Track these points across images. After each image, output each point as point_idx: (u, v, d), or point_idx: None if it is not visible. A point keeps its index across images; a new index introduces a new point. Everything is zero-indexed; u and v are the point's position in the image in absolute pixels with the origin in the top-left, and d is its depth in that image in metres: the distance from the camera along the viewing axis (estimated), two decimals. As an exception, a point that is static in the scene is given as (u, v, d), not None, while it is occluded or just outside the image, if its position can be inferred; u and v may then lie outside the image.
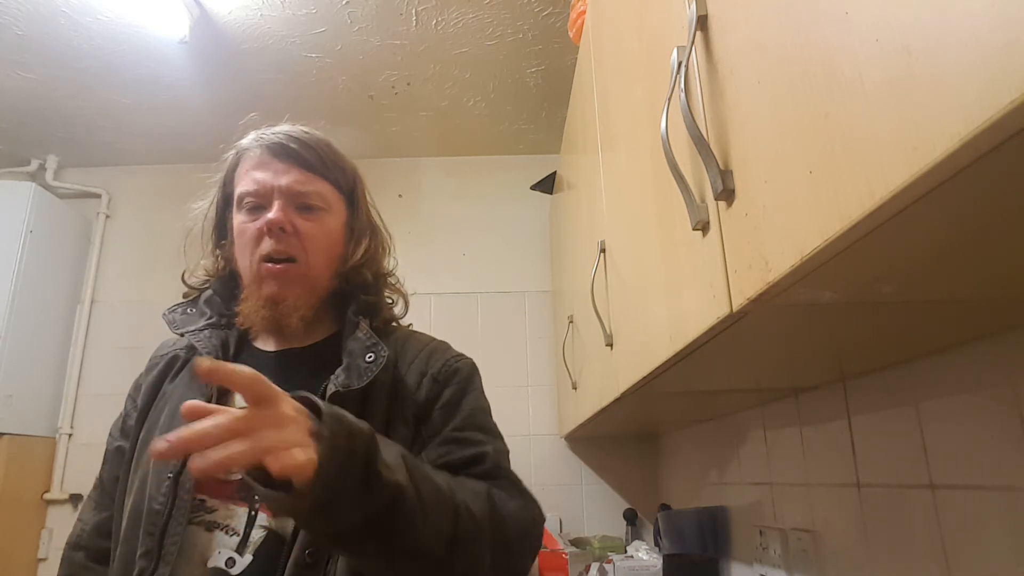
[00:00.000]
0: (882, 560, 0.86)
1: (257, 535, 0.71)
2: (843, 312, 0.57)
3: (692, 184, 0.63)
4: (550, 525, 2.09)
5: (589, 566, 1.68)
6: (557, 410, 2.25)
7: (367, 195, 0.93)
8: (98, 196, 2.53)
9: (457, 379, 0.84)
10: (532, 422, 2.27)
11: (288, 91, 2.11)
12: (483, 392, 0.87)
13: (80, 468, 2.25)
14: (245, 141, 0.87)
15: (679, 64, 0.61)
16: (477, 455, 0.77)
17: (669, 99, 0.65)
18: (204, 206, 0.90)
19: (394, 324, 0.93)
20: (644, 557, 1.70)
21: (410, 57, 1.97)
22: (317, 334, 0.86)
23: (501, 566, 0.68)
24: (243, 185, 0.83)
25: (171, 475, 0.73)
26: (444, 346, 0.90)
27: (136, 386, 0.90)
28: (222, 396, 0.79)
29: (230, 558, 0.70)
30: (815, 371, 0.93)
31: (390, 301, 0.92)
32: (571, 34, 1.56)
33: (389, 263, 0.94)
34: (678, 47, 0.63)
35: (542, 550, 1.81)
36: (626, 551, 1.87)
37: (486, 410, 0.85)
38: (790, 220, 0.45)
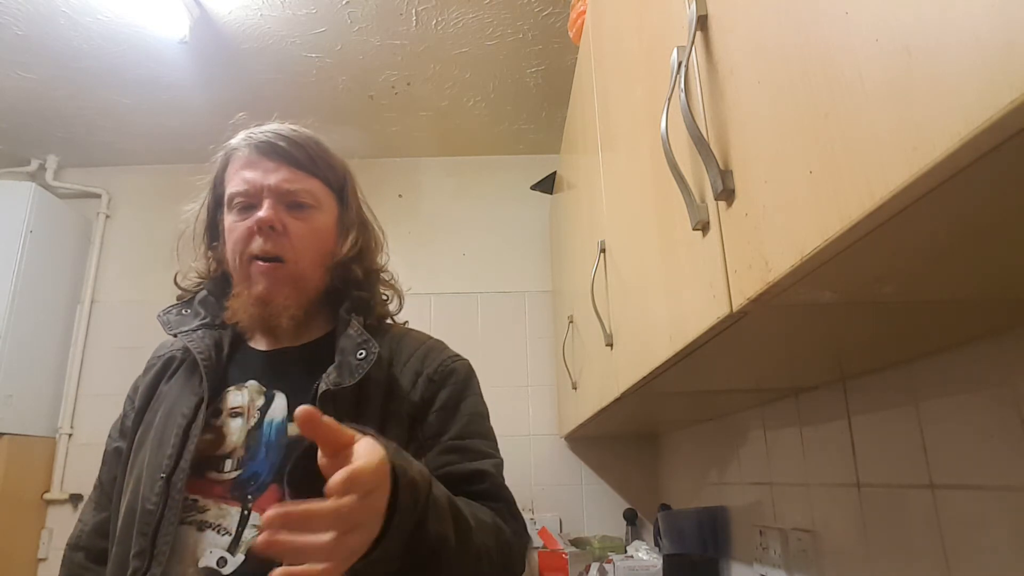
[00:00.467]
0: (882, 560, 0.86)
1: (250, 534, 0.71)
2: (843, 312, 0.57)
3: (692, 184, 0.63)
4: (550, 525, 2.09)
5: (589, 566, 1.69)
6: (557, 410, 2.25)
7: (358, 192, 0.93)
8: (98, 196, 2.53)
9: (453, 380, 0.84)
10: (532, 422, 2.27)
11: (288, 91, 2.11)
12: (481, 396, 0.87)
13: (80, 468, 2.25)
14: (234, 141, 0.87)
15: (679, 64, 0.61)
16: (478, 472, 0.78)
17: (669, 99, 0.65)
18: (196, 208, 0.90)
19: (389, 322, 0.92)
20: (644, 557, 1.70)
21: (410, 57, 1.97)
22: (311, 333, 0.86)
23: None
24: (233, 185, 0.83)
25: (163, 475, 0.73)
26: (440, 345, 0.89)
27: (134, 387, 0.90)
28: (213, 398, 0.79)
29: (221, 557, 0.70)
30: (815, 371, 0.93)
31: (385, 297, 0.92)
32: (571, 34, 1.56)
33: (382, 259, 0.93)
34: (678, 47, 0.63)
35: (542, 550, 1.81)
36: (626, 551, 1.87)
37: (484, 415, 0.85)
38: (790, 220, 0.45)
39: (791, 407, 1.13)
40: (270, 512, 0.47)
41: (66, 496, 2.23)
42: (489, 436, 0.84)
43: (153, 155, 2.49)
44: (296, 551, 0.47)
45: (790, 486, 1.15)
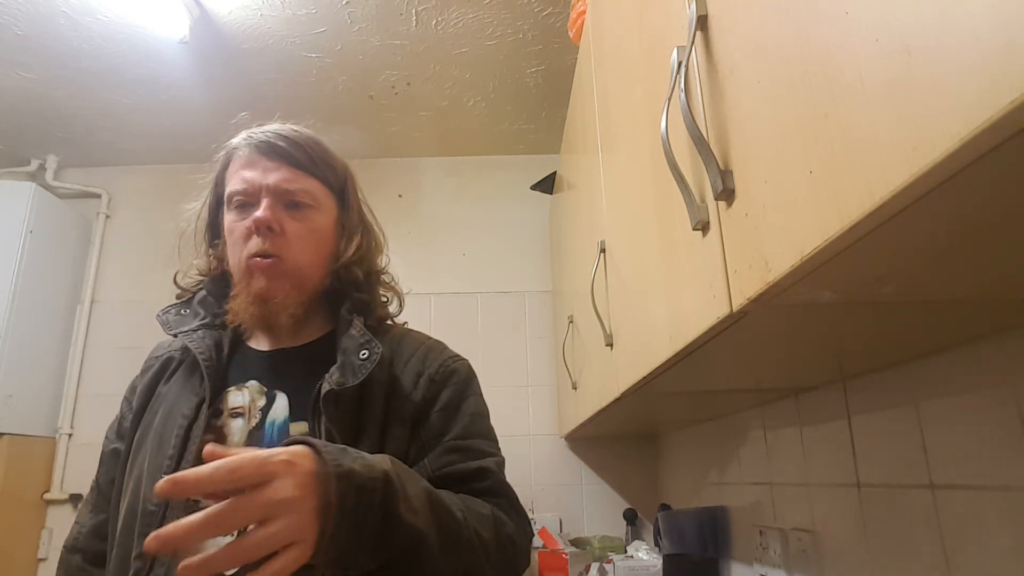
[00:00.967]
0: (882, 560, 0.86)
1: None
2: (843, 312, 0.57)
3: (692, 184, 0.63)
4: (550, 525, 2.09)
5: (589, 566, 1.69)
6: (557, 410, 2.25)
7: (359, 193, 0.93)
8: (98, 196, 2.53)
9: (454, 380, 0.84)
10: (532, 422, 2.27)
11: (288, 91, 2.11)
12: (482, 396, 0.87)
13: (80, 468, 2.25)
14: (235, 140, 0.87)
15: (679, 64, 0.61)
16: (480, 470, 0.78)
17: (669, 99, 0.65)
18: (197, 207, 0.90)
19: (389, 323, 0.92)
20: (644, 557, 1.70)
21: (410, 57, 1.97)
22: (311, 333, 0.86)
23: None
24: (232, 184, 0.83)
25: (165, 476, 0.73)
26: (440, 346, 0.90)
27: (131, 388, 0.89)
28: (215, 397, 0.79)
29: None
30: (815, 371, 0.93)
31: (385, 299, 0.92)
32: (571, 34, 1.56)
33: (382, 261, 0.93)
34: (678, 47, 0.63)
35: (542, 550, 1.81)
36: (626, 551, 1.87)
37: (485, 415, 0.85)
38: (790, 220, 0.45)
39: (791, 407, 1.13)
40: (150, 545, 0.47)
41: (66, 496, 2.23)
42: (490, 435, 0.84)
43: (153, 155, 2.49)
44: (205, 568, 0.47)
45: (790, 486, 1.15)
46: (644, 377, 0.91)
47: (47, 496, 2.23)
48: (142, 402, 0.84)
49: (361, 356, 0.78)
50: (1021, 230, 0.40)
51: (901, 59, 0.33)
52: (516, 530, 0.75)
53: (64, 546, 0.86)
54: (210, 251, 0.89)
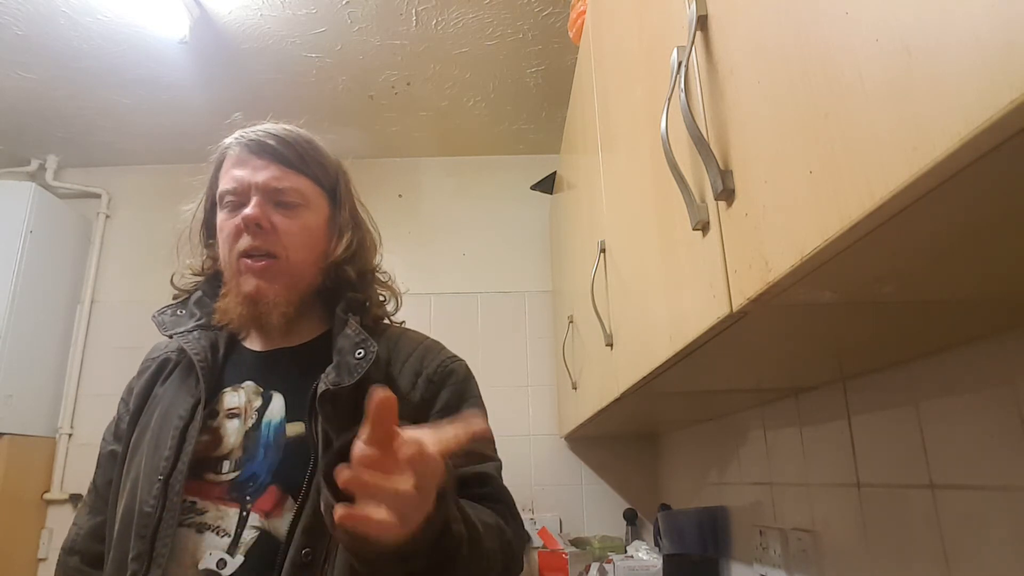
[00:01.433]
0: (882, 560, 0.86)
1: (249, 536, 0.71)
2: (843, 312, 0.57)
3: (692, 184, 0.63)
4: (550, 525, 2.09)
5: (589, 566, 1.69)
6: (557, 410, 2.25)
7: (353, 192, 0.92)
8: (98, 196, 2.53)
9: (453, 381, 0.84)
10: (532, 422, 2.27)
11: (288, 91, 2.11)
12: (480, 398, 0.87)
13: (80, 468, 2.25)
14: (227, 140, 0.87)
15: (679, 64, 0.61)
16: (482, 475, 0.78)
17: (669, 99, 0.65)
18: (193, 208, 0.91)
19: (386, 322, 0.92)
20: (644, 557, 1.70)
21: (410, 57, 1.97)
22: (306, 333, 0.86)
23: None
24: (224, 183, 0.83)
25: (161, 477, 0.73)
26: (438, 346, 0.89)
27: (128, 389, 0.89)
28: (211, 398, 0.79)
29: (221, 559, 0.70)
30: (815, 371, 0.93)
31: (382, 298, 0.92)
32: (571, 34, 1.56)
33: (377, 259, 0.93)
34: (678, 47, 0.63)
35: (542, 550, 1.81)
36: (626, 551, 1.87)
37: (484, 418, 0.85)
38: (790, 220, 0.45)
39: (791, 407, 1.13)
40: (361, 450, 0.50)
41: (66, 496, 2.23)
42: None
43: (153, 155, 2.49)
44: (373, 489, 0.49)
45: (790, 486, 1.15)
46: (644, 377, 0.91)
47: (47, 496, 2.23)
48: (139, 404, 0.84)
49: (357, 355, 0.78)
50: (1021, 230, 0.40)
51: (901, 59, 0.33)
52: (514, 537, 0.76)
53: (62, 548, 0.86)
54: (205, 251, 0.89)
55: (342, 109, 2.22)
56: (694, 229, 0.62)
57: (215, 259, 0.88)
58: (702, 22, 0.61)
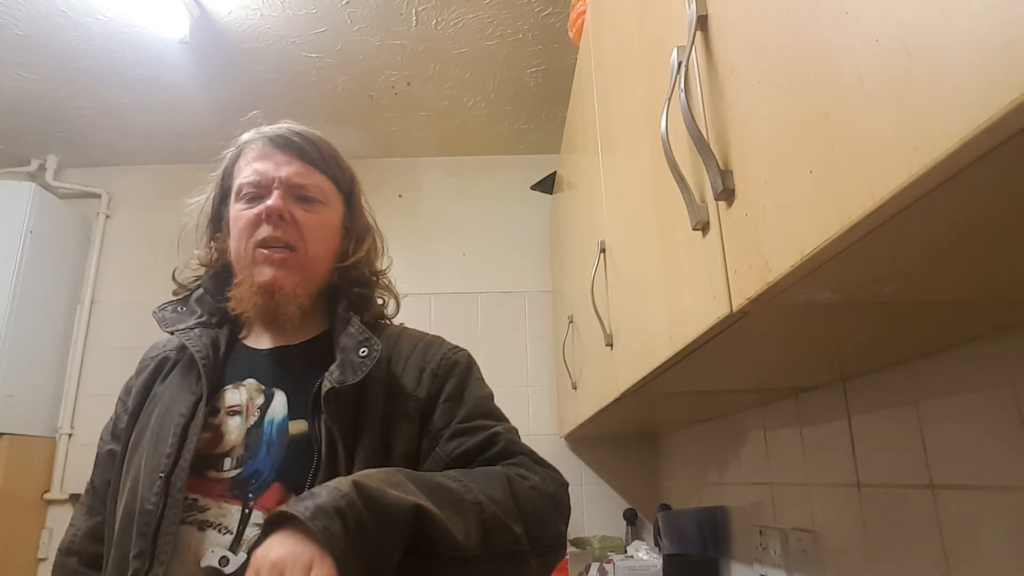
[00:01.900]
0: (882, 560, 0.86)
1: (252, 533, 0.71)
2: (843, 312, 0.57)
3: (692, 184, 0.63)
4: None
5: (589, 566, 1.69)
6: (557, 410, 2.25)
7: (363, 198, 0.94)
8: (98, 196, 2.53)
9: (457, 371, 0.84)
10: (532, 422, 2.27)
11: (288, 91, 2.11)
12: (483, 380, 0.88)
13: (80, 468, 2.25)
14: (246, 136, 0.88)
15: (679, 64, 0.61)
16: (489, 437, 0.78)
17: (669, 99, 0.65)
18: (201, 200, 0.91)
19: (384, 321, 0.93)
20: (644, 557, 1.70)
21: (410, 57, 1.97)
22: (308, 331, 0.86)
23: (538, 537, 0.70)
24: (243, 176, 0.84)
25: (163, 475, 0.73)
26: (438, 340, 0.90)
27: (126, 389, 0.89)
28: (212, 395, 0.79)
29: (224, 556, 0.70)
30: (815, 371, 0.93)
31: (381, 301, 0.93)
32: (571, 34, 1.56)
33: (382, 263, 0.94)
34: (678, 47, 0.63)
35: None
36: (626, 551, 1.87)
37: (489, 396, 0.86)
38: (790, 220, 0.45)
39: (791, 407, 1.13)
40: None
41: (66, 496, 2.23)
42: (496, 414, 0.84)
43: (153, 155, 2.49)
44: None
45: (790, 486, 1.15)
46: (644, 377, 0.91)
47: (47, 496, 2.23)
48: (137, 402, 0.84)
49: (360, 354, 0.78)
50: (1021, 230, 0.40)
51: (901, 59, 0.33)
52: (544, 481, 0.75)
53: (59, 549, 0.85)
54: (211, 243, 0.89)
55: (342, 109, 2.22)
56: (694, 229, 0.62)
57: (221, 252, 0.88)
58: (702, 22, 0.61)
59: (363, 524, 0.57)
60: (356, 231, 0.90)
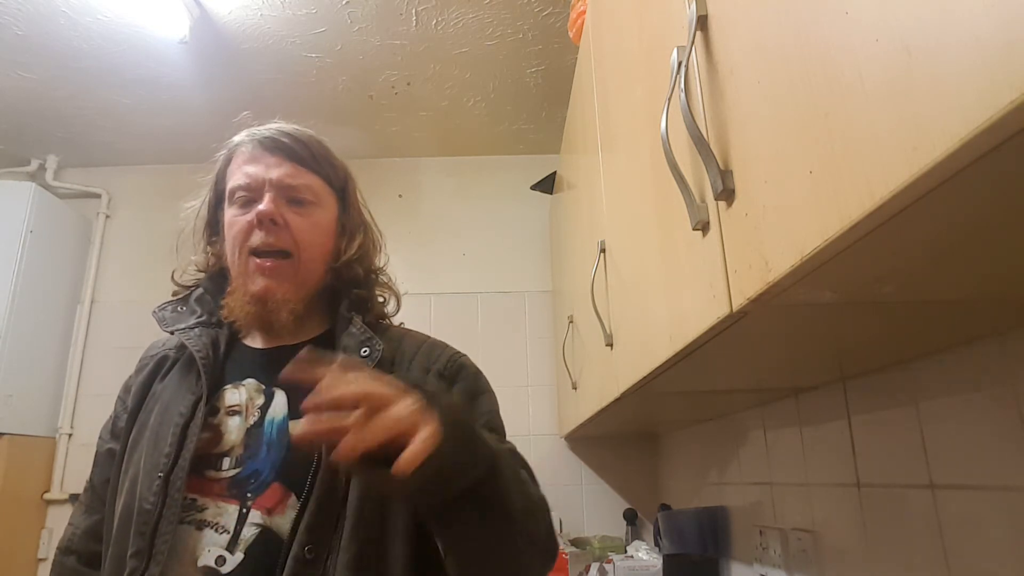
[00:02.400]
0: (882, 560, 0.86)
1: (249, 533, 0.71)
2: (843, 312, 0.57)
3: (692, 184, 0.63)
4: (550, 525, 2.09)
5: (589, 566, 1.69)
6: (557, 410, 2.25)
7: (358, 194, 0.93)
8: (98, 196, 2.53)
9: (464, 375, 0.84)
10: (532, 422, 2.27)
11: (288, 91, 2.11)
12: (492, 391, 0.87)
13: (80, 468, 2.25)
14: (237, 138, 0.87)
15: (679, 64, 0.61)
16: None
17: (669, 99, 0.65)
18: (197, 205, 0.91)
19: (385, 322, 0.93)
20: (644, 557, 1.70)
21: (410, 57, 1.97)
22: (309, 331, 0.86)
23: (546, 541, 0.71)
24: (235, 179, 0.84)
25: (162, 474, 0.73)
26: (441, 343, 0.90)
27: (126, 388, 0.89)
28: (211, 395, 0.79)
29: (220, 556, 0.70)
30: (815, 371, 0.93)
31: (381, 299, 0.92)
32: (571, 34, 1.56)
33: (380, 260, 0.94)
34: (678, 47, 0.63)
35: (542, 550, 1.80)
36: (626, 551, 1.87)
37: (497, 412, 0.85)
38: (790, 220, 0.45)
39: (791, 407, 1.13)
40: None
41: (66, 496, 2.23)
42: (501, 430, 0.84)
43: (153, 155, 2.49)
44: (332, 432, 0.52)
45: (790, 486, 1.15)
46: (644, 377, 0.91)
47: (47, 496, 2.23)
48: (137, 401, 0.84)
49: (362, 353, 0.78)
50: (1021, 230, 0.40)
51: (901, 59, 0.33)
52: (541, 499, 0.76)
53: (58, 548, 0.85)
54: (208, 248, 0.90)
55: (342, 109, 2.22)
56: (694, 229, 0.62)
57: (218, 256, 0.88)
58: (702, 22, 0.61)
59: (460, 431, 0.57)
60: (351, 229, 0.89)
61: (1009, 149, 0.28)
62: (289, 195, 0.83)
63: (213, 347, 0.83)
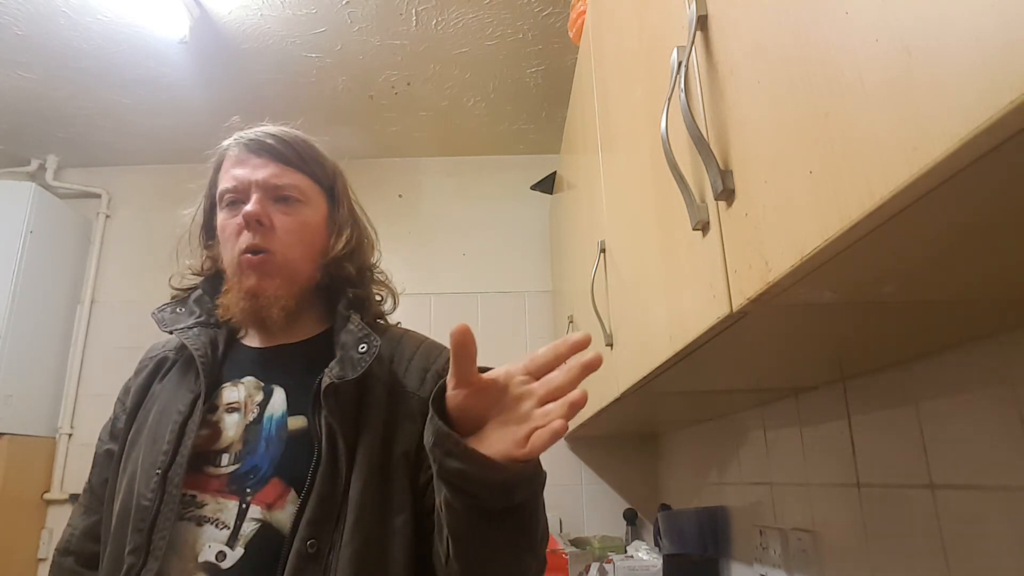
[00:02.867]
0: (882, 560, 0.86)
1: (249, 528, 0.71)
2: (843, 312, 0.57)
3: (692, 184, 0.63)
4: (550, 525, 2.09)
5: (589, 566, 1.69)
6: (557, 410, 2.24)
7: (350, 191, 0.94)
8: (98, 196, 2.53)
9: None
10: (532, 422, 2.27)
11: (288, 91, 2.11)
12: None
13: (80, 468, 2.25)
14: (225, 142, 0.89)
15: (679, 64, 0.61)
16: None
17: (669, 99, 0.65)
18: (193, 211, 0.92)
19: (383, 322, 0.93)
20: (644, 557, 1.70)
21: (410, 57, 1.97)
22: (307, 330, 0.87)
23: (543, 566, 0.73)
24: (224, 183, 0.85)
25: (159, 471, 0.73)
26: (440, 344, 0.90)
27: (125, 389, 0.90)
28: (210, 393, 0.79)
29: (220, 551, 0.70)
30: (815, 371, 0.93)
31: (379, 297, 0.93)
32: (571, 34, 1.56)
33: (374, 257, 0.94)
34: (678, 47, 0.63)
35: (542, 550, 1.80)
36: (626, 551, 1.87)
37: None
38: (790, 220, 0.45)
39: (791, 407, 1.13)
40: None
41: (66, 496, 2.23)
42: None
43: (153, 155, 2.49)
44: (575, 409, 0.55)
45: (790, 486, 1.15)
46: (644, 377, 0.91)
47: (47, 496, 2.23)
48: (136, 402, 0.84)
49: (360, 350, 0.79)
50: (1021, 230, 0.40)
51: (901, 59, 0.33)
52: None
53: (56, 549, 0.85)
54: (204, 251, 0.90)
55: (342, 109, 2.22)
56: (694, 229, 0.62)
57: (215, 259, 0.89)
58: (702, 22, 0.61)
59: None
60: (340, 225, 0.90)
61: (1009, 149, 0.28)
62: (276, 194, 0.83)
63: (212, 346, 0.83)
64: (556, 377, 0.58)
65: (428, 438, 0.59)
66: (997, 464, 0.66)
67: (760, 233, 0.49)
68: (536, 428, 0.55)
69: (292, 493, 0.73)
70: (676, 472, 1.99)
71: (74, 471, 2.26)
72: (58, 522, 2.21)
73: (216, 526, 0.72)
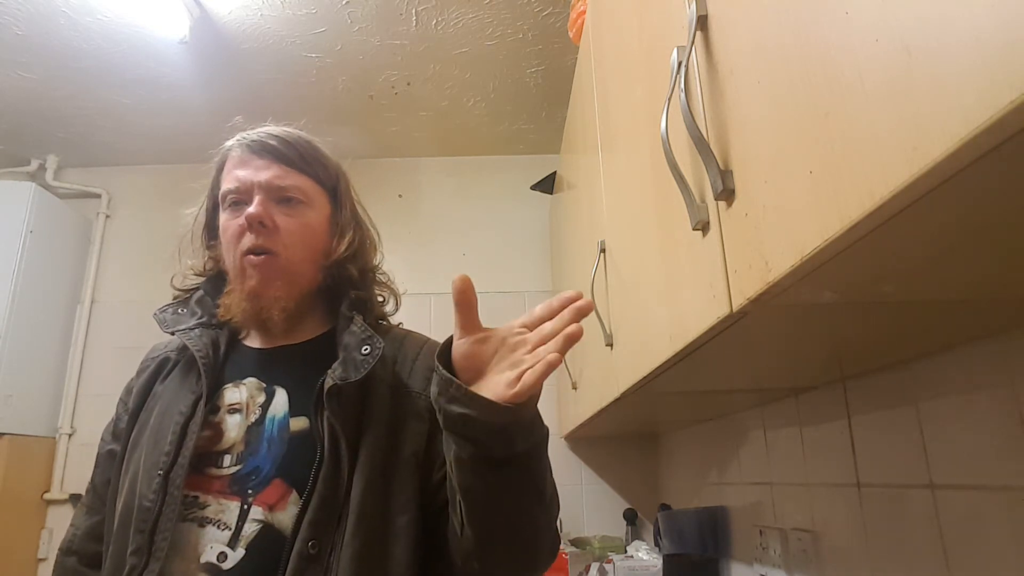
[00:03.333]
0: (882, 560, 0.86)
1: (250, 529, 0.71)
2: (843, 312, 0.57)
3: (692, 184, 0.63)
4: (550, 525, 2.09)
5: (589, 566, 1.69)
6: (557, 410, 2.25)
7: (352, 192, 0.94)
8: (98, 196, 2.53)
9: None
10: (532, 422, 2.27)
11: (288, 91, 2.11)
12: None
13: (80, 468, 2.25)
14: (228, 143, 0.88)
15: (679, 64, 0.61)
16: None
17: (669, 99, 0.65)
18: (195, 211, 0.92)
19: (385, 322, 0.93)
20: (644, 557, 1.70)
21: (410, 57, 1.97)
22: (309, 331, 0.87)
23: (556, 533, 0.77)
24: (226, 184, 0.85)
25: (161, 472, 0.73)
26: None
27: (127, 390, 0.90)
28: (211, 395, 0.79)
29: (222, 552, 0.70)
30: (815, 371, 0.93)
31: (381, 298, 0.93)
32: (571, 34, 1.56)
33: (377, 259, 0.94)
34: (678, 47, 0.63)
35: (542, 550, 1.80)
36: (626, 551, 1.87)
37: None
38: (790, 220, 0.45)
39: (791, 407, 1.13)
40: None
41: (66, 496, 2.23)
42: None
43: (153, 155, 2.49)
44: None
45: (790, 486, 1.15)
46: (644, 377, 0.91)
47: (47, 496, 2.23)
48: (138, 402, 0.84)
49: (363, 351, 0.78)
50: (1021, 230, 0.40)
51: (901, 59, 0.33)
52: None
53: (59, 548, 0.86)
54: (207, 252, 0.90)
55: (342, 109, 2.22)
56: (694, 229, 0.62)
57: (217, 260, 0.89)
58: (702, 22, 0.61)
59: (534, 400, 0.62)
60: (343, 226, 0.89)
61: (1009, 149, 0.28)
62: (278, 196, 0.83)
63: (213, 347, 0.83)
64: (548, 324, 0.61)
65: (433, 389, 0.63)
66: (997, 464, 0.66)
67: (760, 233, 0.49)
68: (527, 369, 0.58)
69: (294, 494, 0.73)
70: (676, 472, 1.99)
71: (74, 471, 2.26)
72: (58, 522, 2.21)
73: (218, 527, 0.72)
